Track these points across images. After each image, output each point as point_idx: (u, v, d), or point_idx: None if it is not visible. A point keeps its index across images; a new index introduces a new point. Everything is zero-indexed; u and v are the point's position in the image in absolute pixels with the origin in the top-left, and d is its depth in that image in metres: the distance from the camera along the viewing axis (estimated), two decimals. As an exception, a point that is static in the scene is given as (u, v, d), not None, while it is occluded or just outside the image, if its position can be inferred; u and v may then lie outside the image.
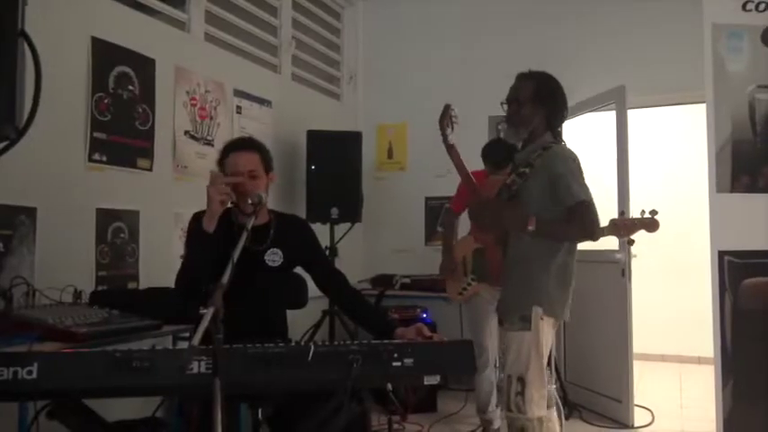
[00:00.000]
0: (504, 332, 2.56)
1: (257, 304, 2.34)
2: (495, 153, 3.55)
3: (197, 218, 2.28)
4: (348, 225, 4.62)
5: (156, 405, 2.45)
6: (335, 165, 4.57)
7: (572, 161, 2.46)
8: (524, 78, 2.59)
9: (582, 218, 2.40)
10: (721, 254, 2.35)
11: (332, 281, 2.48)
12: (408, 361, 1.77)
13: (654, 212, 2.86)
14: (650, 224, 2.86)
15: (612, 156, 4.36)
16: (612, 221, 2.98)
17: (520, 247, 2.48)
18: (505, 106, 2.59)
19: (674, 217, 6.34)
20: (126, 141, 3.26)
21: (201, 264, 2.14)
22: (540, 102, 2.52)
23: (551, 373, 4.26)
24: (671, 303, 6.20)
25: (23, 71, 1.57)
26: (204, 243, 2.18)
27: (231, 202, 2.36)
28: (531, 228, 2.36)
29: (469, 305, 3.65)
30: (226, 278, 1.63)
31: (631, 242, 2.92)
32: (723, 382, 2.31)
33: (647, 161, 6.26)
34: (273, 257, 2.39)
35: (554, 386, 4.16)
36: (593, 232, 2.44)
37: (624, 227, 2.91)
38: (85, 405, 1.82)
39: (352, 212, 4.58)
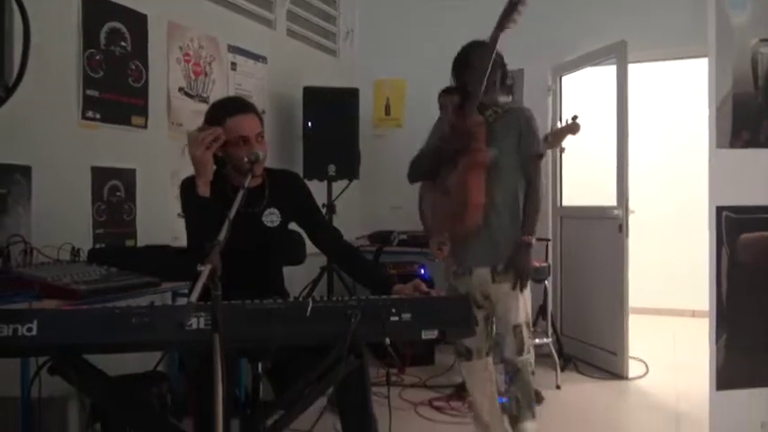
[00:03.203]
0: (496, 286, 2.76)
1: (258, 265, 2.34)
2: None
3: (187, 185, 2.19)
4: (346, 182, 4.61)
5: (155, 362, 2.48)
6: (332, 122, 4.52)
7: None
8: None
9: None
10: (719, 209, 2.35)
11: (327, 237, 2.45)
12: (406, 316, 1.78)
13: (575, 117, 3.06)
14: (573, 128, 3.07)
15: (612, 111, 4.32)
16: (542, 138, 3.15)
17: (499, 208, 2.72)
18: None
19: (673, 173, 6.35)
20: (119, 99, 3.22)
21: (209, 228, 2.04)
22: None
23: (548, 326, 4.33)
24: (666, 258, 6.24)
25: (12, 28, 1.54)
26: (205, 208, 2.12)
27: (221, 164, 2.31)
28: (533, 241, 2.73)
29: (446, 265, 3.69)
30: (222, 235, 1.62)
31: (563, 150, 3.13)
32: (717, 334, 2.33)
33: (646, 117, 6.21)
34: (272, 218, 2.35)
35: (550, 339, 4.24)
36: None
37: (553, 137, 3.06)
38: (86, 360, 1.84)
39: (349, 170, 4.57)
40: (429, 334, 1.80)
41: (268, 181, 2.39)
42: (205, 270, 1.48)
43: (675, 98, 6.35)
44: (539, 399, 3.66)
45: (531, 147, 2.78)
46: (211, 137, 2.12)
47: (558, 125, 3.20)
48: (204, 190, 2.13)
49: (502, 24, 2.50)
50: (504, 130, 2.73)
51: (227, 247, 1.60)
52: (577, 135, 3.66)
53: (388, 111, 5.55)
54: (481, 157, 2.63)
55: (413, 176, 2.99)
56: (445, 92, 3.79)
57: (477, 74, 2.57)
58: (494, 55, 2.55)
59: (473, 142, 2.62)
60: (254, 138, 2.23)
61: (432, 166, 2.84)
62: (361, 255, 2.51)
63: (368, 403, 2.12)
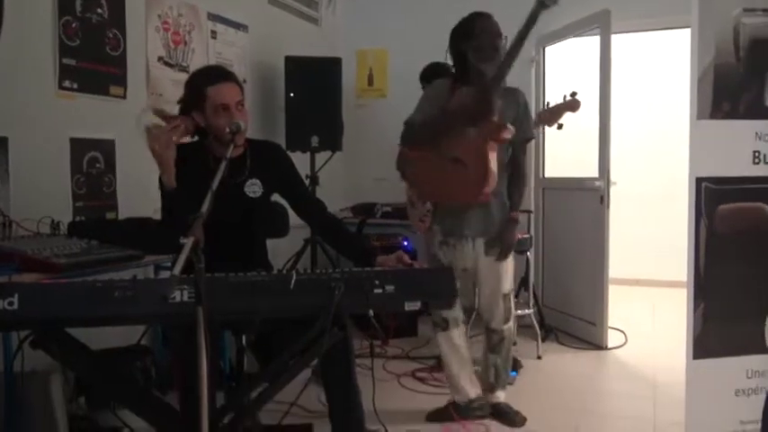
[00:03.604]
0: (487, 258, 2.92)
1: (240, 237, 2.34)
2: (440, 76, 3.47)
3: None
4: (329, 153, 4.58)
5: (139, 336, 2.47)
6: (315, 92, 4.47)
7: None
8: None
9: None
10: (699, 180, 2.37)
11: (311, 209, 2.45)
12: (390, 288, 1.79)
13: (574, 93, 3.06)
14: (573, 104, 3.08)
15: (595, 82, 4.32)
16: (537, 114, 3.16)
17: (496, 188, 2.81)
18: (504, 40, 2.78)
19: (655, 144, 6.39)
20: (97, 68, 3.15)
21: (182, 211, 2.01)
22: None
23: (529, 297, 4.38)
24: (646, 229, 6.31)
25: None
26: (176, 199, 2.12)
27: (203, 135, 2.31)
28: (519, 219, 2.97)
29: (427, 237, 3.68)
30: (205, 207, 1.61)
31: (560, 126, 3.15)
32: (695, 304, 2.37)
33: (630, 88, 6.22)
34: (254, 188, 2.36)
35: (531, 310, 4.29)
36: None
37: (550, 114, 3.09)
38: (69, 334, 1.83)
39: (332, 141, 4.54)
40: (412, 305, 1.82)
41: (249, 151, 2.38)
42: (188, 242, 1.48)
43: (660, 69, 6.36)
44: (517, 366, 3.73)
45: (527, 131, 2.92)
46: (170, 132, 2.11)
47: (550, 103, 3.18)
48: (170, 181, 2.12)
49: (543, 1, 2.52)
50: (505, 107, 2.80)
51: (209, 219, 1.60)
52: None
53: (371, 81, 5.50)
54: (505, 135, 2.69)
55: (409, 140, 2.96)
56: (429, 78, 3.72)
57: (509, 50, 2.62)
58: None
59: (491, 114, 2.68)
60: (235, 106, 2.22)
61: (434, 133, 2.83)
62: (344, 226, 2.52)
63: (352, 375, 2.14)
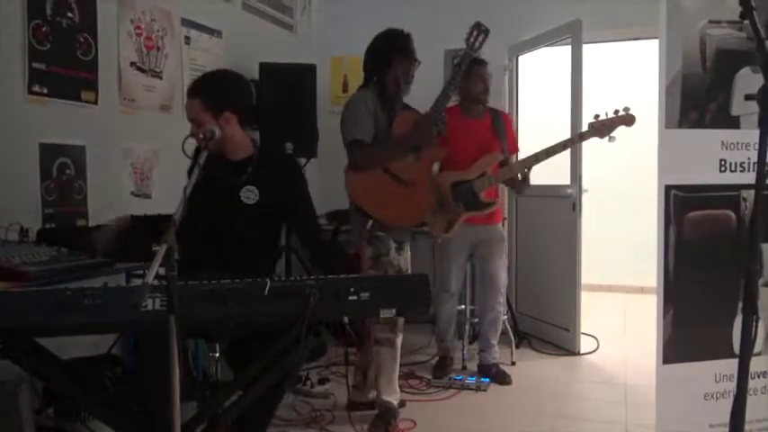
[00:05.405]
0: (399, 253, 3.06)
1: (232, 239, 2.32)
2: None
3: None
4: (303, 161, 4.56)
5: (110, 343, 2.44)
6: (289, 98, 4.45)
7: None
8: None
9: None
10: (668, 188, 2.41)
11: (306, 234, 2.55)
12: (365, 295, 1.79)
13: (627, 108, 3.09)
14: (629, 119, 3.10)
15: (567, 90, 4.38)
16: (591, 125, 3.24)
17: None
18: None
19: (626, 152, 6.48)
20: (68, 72, 3.11)
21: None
22: None
23: (503, 303, 4.40)
24: (617, 236, 6.40)
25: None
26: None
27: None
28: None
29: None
30: (177, 215, 1.60)
31: (612, 139, 3.16)
32: (665, 310, 2.41)
33: (600, 96, 6.31)
34: (249, 194, 2.36)
35: (505, 316, 4.31)
36: None
37: (604, 127, 3.10)
38: (38, 343, 1.80)
39: (307, 148, 4.52)
40: (387, 312, 1.82)
41: (257, 158, 2.41)
42: (161, 250, 1.46)
43: (630, 79, 6.46)
44: (506, 379, 3.75)
45: None
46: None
47: (600, 116, 3.24)
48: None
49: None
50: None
51: (199, 218, 1.60)
52: (551, 120, 3.67)
53: (345, 88, 5.49)
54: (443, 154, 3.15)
55: (369, 161, 3.05)
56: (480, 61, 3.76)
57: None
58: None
59: (431, 140, 2.96)
60: (193, 122, 2.34)
61: (390, 155, 2.99)
62: (329, 255, 2.64)
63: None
